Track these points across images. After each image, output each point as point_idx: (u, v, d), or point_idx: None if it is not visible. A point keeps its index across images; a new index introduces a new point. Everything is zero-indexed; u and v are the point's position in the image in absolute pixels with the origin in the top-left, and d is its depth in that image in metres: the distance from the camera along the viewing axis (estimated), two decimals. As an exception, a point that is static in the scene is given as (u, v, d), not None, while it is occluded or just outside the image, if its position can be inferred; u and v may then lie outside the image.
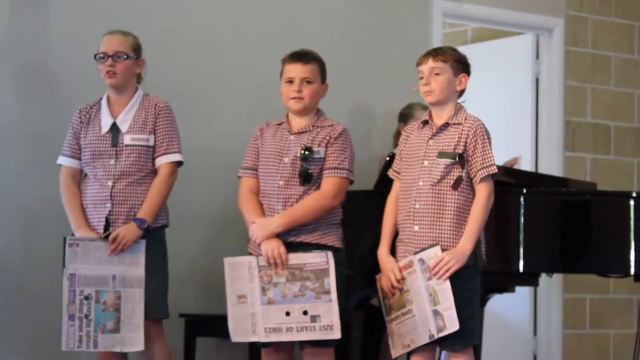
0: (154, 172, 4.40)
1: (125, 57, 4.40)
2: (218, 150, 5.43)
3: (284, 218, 4.25)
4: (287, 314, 4.20)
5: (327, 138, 4.35)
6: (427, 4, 6.34)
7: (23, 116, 5.06)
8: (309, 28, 5.86)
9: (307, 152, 4.30)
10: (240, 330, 4.26)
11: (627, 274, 5.30)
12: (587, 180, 6.82)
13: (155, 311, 4.31)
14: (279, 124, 4.44)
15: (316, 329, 4.19)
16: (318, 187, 4.32)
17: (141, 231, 4.29)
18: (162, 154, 4.40)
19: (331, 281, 4.20)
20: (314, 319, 4.19)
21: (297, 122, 4.41)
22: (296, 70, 4.37)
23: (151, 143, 4.40)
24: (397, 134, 5.90)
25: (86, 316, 4.23)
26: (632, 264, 5.21)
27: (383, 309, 4.25)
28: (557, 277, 6.85)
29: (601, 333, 7.14)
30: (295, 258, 4.22)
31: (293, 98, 4.36)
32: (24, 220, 5.03)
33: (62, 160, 4.47)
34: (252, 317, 4.24)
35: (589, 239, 5.27)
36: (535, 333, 7.01)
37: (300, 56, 4.40)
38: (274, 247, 4.22)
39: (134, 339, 4.25)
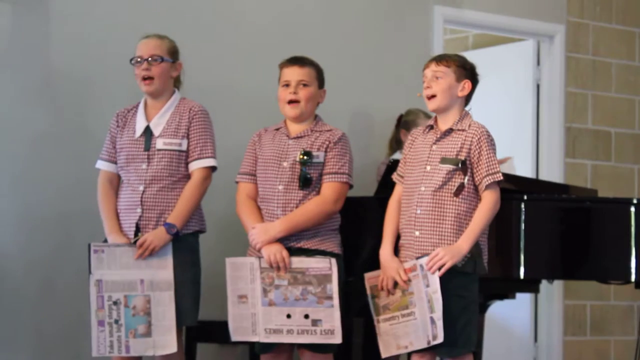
0: (187, 177, 4.38)
1: (160, 60, 4.38)
2: (220, 155, 5.43)
3: (285, 223, 4.26)
4: (288, 316, 4.22)
5: (327, 143, 4.36)
6: (428, 10, 6.35)
7: (25, 119, 5.07)
8: (309, 34, 5.86)
9: (306, 157, 4.31)
10: (241, 330, 4.27)
11: (628, 281, 5.29)
12: (587, 187, 6.82)
13: (180, 319, 4.27)
14: (277, 129, 4.45)
15: (317, 332, 4.20)
16: (317, 192, 4.33)
17: (169, 236, 4.26)
18: (196, 159, 4.38)
19: (334, 287, 4.20)
20: (315, 322, 4.21)
21: (296, 127, 4.42)
22: (292, 74, 4.40)
23: (184, 147, 4.37)
24: (394, 140, 5.91)
25: (116, 321, 4.22)
26: (633, 270, 5.21)
27: (372, 308, 4.25)
28: (558, 284, 6.85)
29: (602, 340, 7.13)
30: (299, 262, 4.23)
31: (290, 102, 4.38)
32: (25, 222, 5.03)
33: (100, 164, 4.46)
34: (252, 317, 4.25)
35: (590, 246, 5.27)
36: (535, 340, 7.01)
37: (297, 60, 4.44)
38: (275, 251, 4.22)
39: (166, 342, 4.23)
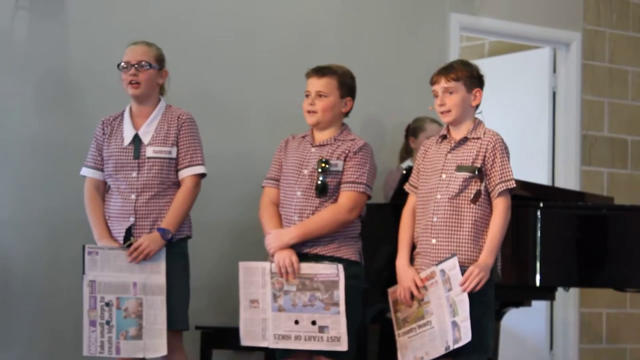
0: (176, 184, 4.41)
1: (148, 66, 4.41)
2: (235, 161, 5.44)
3: (299, 230, 4.28)
4: (296, 322, 4.24)
5: (347, 152, 4.37)
6: (444, 17, 6.35)
7: (44, 126, 5.09)
8: (324, 40, 5.87)
9: (324, 165, 4.32)
10: (251, 335, 4.29)
11: (644, 289, 5.29)
12: (604, 195, 6.80)
13: (174, 322, 4.32)
14: (304, 137, 4.48)
15: (324, 339, 4.22)
16: (335, 201, 4.34)
17: (164, 241, 4.30)
18: (186, 166, 4.41)
19: (340, 294, 4.21)
20: (321, 329, 4.22)
21: (320, 135, 4.45)
22: (312, 84, 4.44)
23: (173, 155, 4.40)
24: (405, 149, 5.91)
25: (107, 322, 4.26)
26: (649, 278, 5.21)
27: (394, 322, 4.26)
28: (574, 292, 6.83)
29: (617, 348, 7.11)
30: (307, 268, 4.25)
31: (308, 112, 4.41)
32: (47, 228, 5.06)
33: (86, 171, 4.48)
34: (263, 323, 4.27)
35: (606, 253, 5.26)
36: (551, 347, 6.99)
37: (316, 70, 4.46)
38: (285, 257, 4.24)
39: (157, 345, 4.27)
